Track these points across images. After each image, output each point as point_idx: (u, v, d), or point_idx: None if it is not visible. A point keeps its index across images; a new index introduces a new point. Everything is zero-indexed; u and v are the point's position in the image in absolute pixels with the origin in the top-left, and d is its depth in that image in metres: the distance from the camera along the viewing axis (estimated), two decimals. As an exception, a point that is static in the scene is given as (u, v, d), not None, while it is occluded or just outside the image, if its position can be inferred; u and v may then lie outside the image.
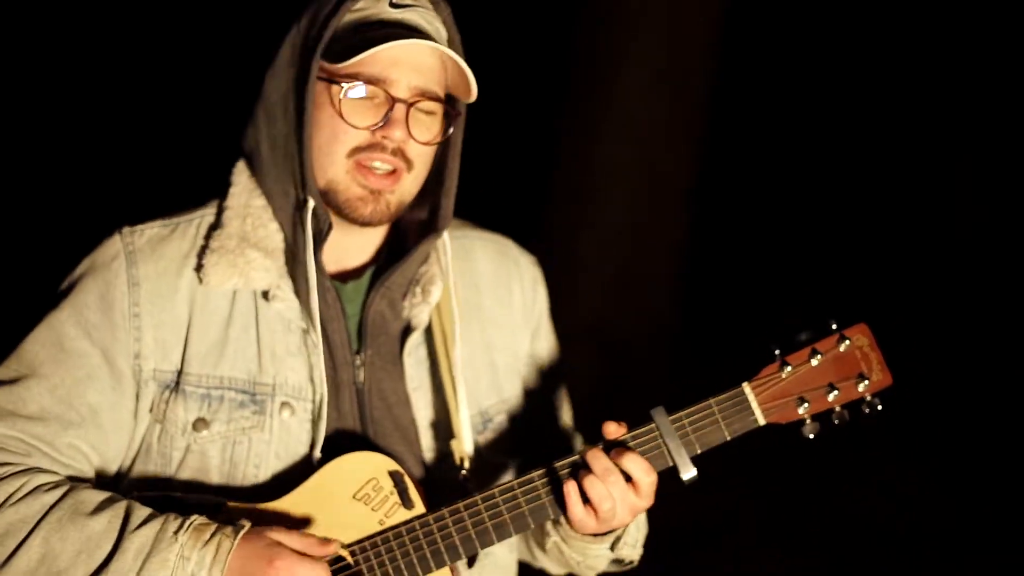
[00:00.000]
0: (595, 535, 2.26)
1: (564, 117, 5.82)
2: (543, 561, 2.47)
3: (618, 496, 2.14)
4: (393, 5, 2.21)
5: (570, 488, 2.13)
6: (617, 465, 2.14)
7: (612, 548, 2.33)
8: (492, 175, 2.41)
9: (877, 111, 6.72)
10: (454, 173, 2.32)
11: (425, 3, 2.25)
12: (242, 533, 2.05)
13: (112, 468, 2.24)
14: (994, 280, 6.30)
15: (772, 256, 6.45)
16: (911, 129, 6.69)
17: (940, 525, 5.28)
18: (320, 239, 2.23)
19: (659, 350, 5.79)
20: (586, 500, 2.14)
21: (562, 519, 2.23)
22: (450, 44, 2.26)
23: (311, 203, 2.21)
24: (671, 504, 2.28)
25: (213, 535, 2.04)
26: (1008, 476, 5.56)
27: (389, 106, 2.18)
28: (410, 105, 2.19)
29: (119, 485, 2.24)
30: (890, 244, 6.55)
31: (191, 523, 2.06)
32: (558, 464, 2.19)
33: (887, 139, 6.75)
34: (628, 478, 2.15)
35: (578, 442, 2.52)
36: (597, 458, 2.15)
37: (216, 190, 2.38)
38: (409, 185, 2.24)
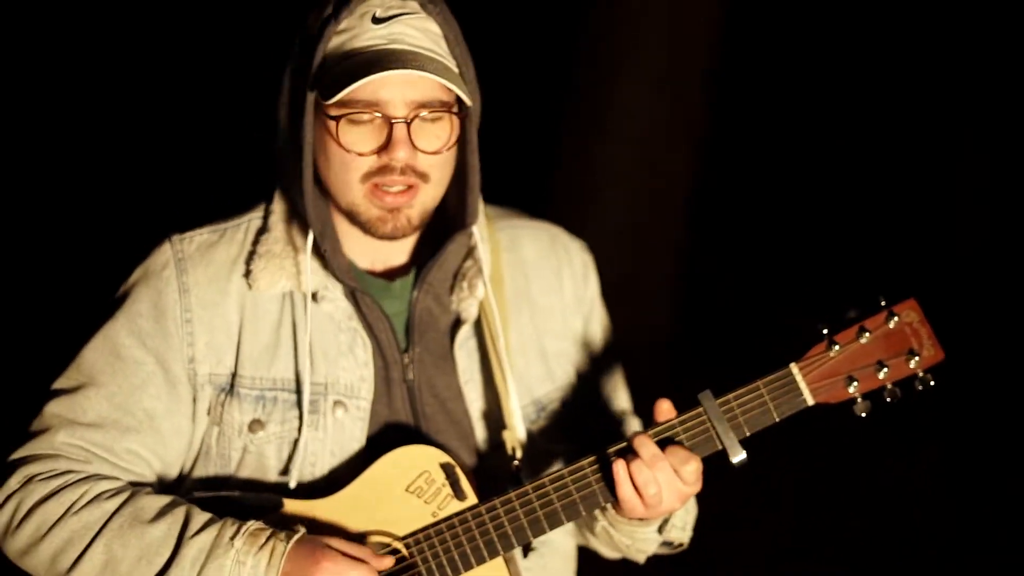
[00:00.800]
0: (642, 519, 2.27)
1: (565, 118, 5.76)
2: (595, 544, 2.48)
3: (664, 482, 2.15)
4: (376, 20, 2.17)
5: (619, 471, 2.15)
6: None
7: (660, 531, 2.34)
8: (493, 175, 2.40)
9: (879, 112, 6.62)
10: (475, 169, 2.30)
11: (413, 7, 2.20)
12: (296, 537, 2.09)
13: (174, 470, 2.30)
14: (995, 280, 6.16)
15: (774, 257, 6.37)
16: (913, 130, 6.57)
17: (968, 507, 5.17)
18: (325, 259, 2.27)
19: (660, 351, 5.73)
20: (633, 485, 2.15)
21: (610, 504, 2.24)
22: (446, 41, 2.22)
23: (310, 236, 2.26)
24: (717, 486, 2.29)
25: (268, 540, 2.09)
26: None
27: (388, 127, 2.17)
28: (410, 121, 2.17)
29: (182, 486, 2.30)
30: (893, 243, 6.45)
31: (247, 528, 2.11)
32: (607, 451, 2.21)
33: (889, 140, 6.65)
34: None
35: (636, 425, 2.52)
36: (644, 444, 2.16)
37: (262, 193, 2.42)
38: (429, 195, 2.24)
